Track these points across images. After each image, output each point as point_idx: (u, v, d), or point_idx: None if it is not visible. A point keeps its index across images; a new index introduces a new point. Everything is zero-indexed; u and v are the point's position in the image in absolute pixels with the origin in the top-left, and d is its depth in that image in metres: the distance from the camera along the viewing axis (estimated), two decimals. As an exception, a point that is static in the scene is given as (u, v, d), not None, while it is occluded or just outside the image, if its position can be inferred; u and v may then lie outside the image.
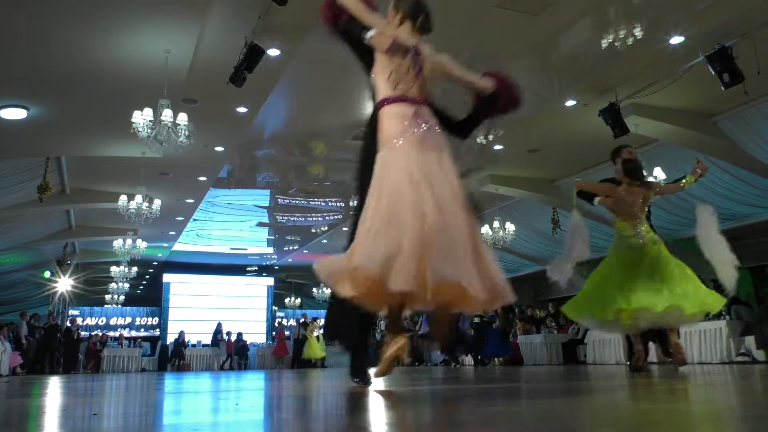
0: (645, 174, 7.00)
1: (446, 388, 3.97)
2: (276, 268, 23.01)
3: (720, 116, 8.68)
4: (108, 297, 20.22)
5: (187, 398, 4.19)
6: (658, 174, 8.83)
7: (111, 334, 19.92)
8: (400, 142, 2.57)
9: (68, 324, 17.24)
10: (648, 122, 8.55)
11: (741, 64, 6.52)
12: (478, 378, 5.97)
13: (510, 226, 12.35)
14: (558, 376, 5.41)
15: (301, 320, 18.07)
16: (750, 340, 9.07)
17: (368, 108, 9.28)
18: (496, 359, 13.54)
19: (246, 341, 19.38)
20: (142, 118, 6.82)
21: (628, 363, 5.63)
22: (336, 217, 15.56)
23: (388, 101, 2.68)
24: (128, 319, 22.20)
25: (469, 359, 14.14)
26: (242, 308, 22.22)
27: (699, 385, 3.53)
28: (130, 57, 6.87)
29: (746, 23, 6.45)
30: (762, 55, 6.48)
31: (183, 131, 6.93)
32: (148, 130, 6.81)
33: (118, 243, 13.36)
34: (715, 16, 6.46)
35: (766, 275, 9.72)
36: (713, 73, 6.68)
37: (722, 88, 6.74)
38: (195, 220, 15.26)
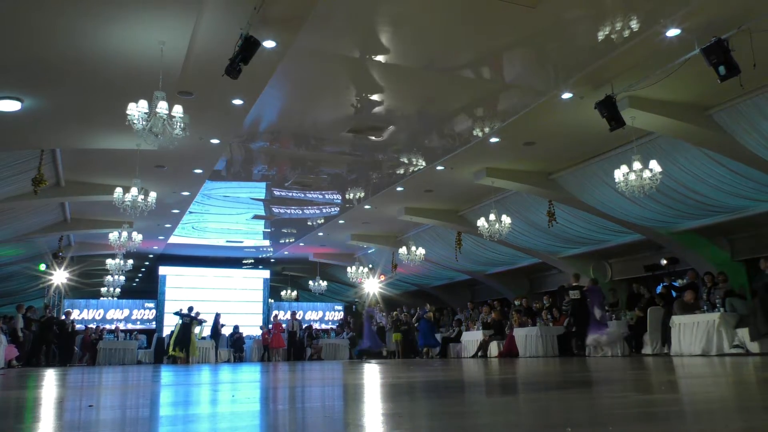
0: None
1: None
2: (272, 260, 23.00)
3: (715, 109, 8.69)
4: (104, 290, 20.18)
5: (184, 390, 4.19)
6: (654, 167, 8.84)
7: (107, 326, 19.90)
8: None
9: (63, 317, 17.23)
10: (644, 115, 8.54)
11: (737, 57, 6.51)
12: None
13: (506, 219, 12.36)
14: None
15: (193, 313, 16.37)
16: (744, 333, 9.12)
17: (364, 98, 9.18)
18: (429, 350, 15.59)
19: (242, 333, 19.40)
20: (137, 110, 6.77)
21: None
22: (332, 210, 15.56)
23: None
24: (125, 312, 22.18)
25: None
26: (238, 301, 22.23)
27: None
28: (125, 49, 6.83)
29: (742, 16, 6.45)
30: (758, 48, 6.47)
31: (178, 123, 6.88)
32: (143, 122, 6.76)
33: (113, 235, 13.33)
34: (712, 8, 6.45)
35: (760, 268, 9.75)
36: (709, 66, 6.68)
37: (718, 80, 6.73)
38: (191, 212, 15.23)
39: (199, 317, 16.52)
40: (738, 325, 9.31)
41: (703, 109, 8.78)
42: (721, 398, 2.55)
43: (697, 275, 11.75)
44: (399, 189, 13.25)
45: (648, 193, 9.01)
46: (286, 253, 21.26)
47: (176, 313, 16.35)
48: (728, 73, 6.58)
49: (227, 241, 19.60)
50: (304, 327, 20.12)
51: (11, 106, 8.13)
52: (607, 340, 11.07)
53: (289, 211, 15.87)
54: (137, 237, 13.53)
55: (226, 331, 19.02)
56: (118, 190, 9.86)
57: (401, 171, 12.26)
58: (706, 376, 4.45)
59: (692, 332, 9.68)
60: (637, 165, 8.90)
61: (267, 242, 19.93)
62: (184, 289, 21.82)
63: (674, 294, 11.63)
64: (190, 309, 16.32)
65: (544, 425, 1.78)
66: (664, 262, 13.53)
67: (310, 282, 22.53)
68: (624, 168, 9.03)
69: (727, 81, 6.70)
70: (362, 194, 13.99)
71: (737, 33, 6.51)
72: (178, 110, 6.91)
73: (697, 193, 10.68)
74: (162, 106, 6.76)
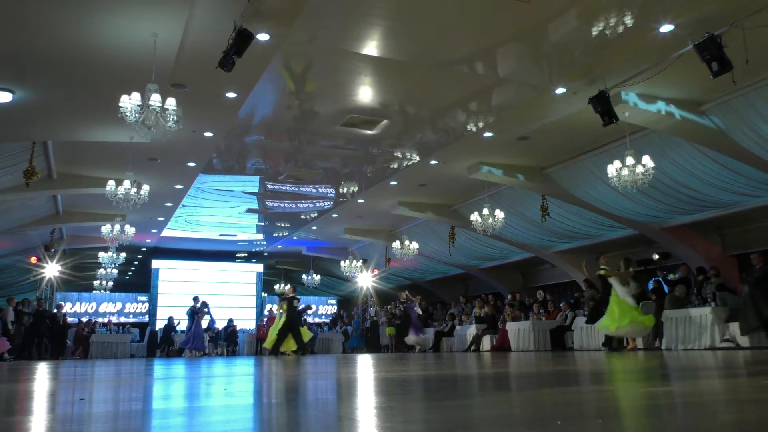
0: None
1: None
2: (265, 254, 22.97)
3: (708, 105, 8.72)
4: (96, 283, 20.10)
5: (177, 384, 4.20)
6: (647, 162, 8.87)
7: (100, 320, 19.85)
8: None
9: (56, 310, 17.16)
10: (637, 110, 8.57)
11: (729, 53, 6.54)
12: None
13: (499, 214, 12.38)
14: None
15: (289, 294, 13.95)
16: (734, 327, 9.19)
17: (358, 94, 9.16)
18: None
19: (236, 326, 19.39)
20: (129, 102, 6.73)
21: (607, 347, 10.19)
22: (326, 203, 15.54)
23: None
24: (118, 305, 22.12)
25: None
26: (232, 294, 22.20)
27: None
28: (117, 40, 6.78)
29: (735, 12, 6.47)
30: (750, 44, 6.50)
31: (171, 116, 6.84)
32: (136, 115, 6.73)
33: (106, 228, 13.27)
34: (705, 4, 6.47)
35: (752, 263, 9.82)
36: (702, 62, 6.70)
37: (711, 76, 6.76)
38: (184, 206, 15.18)
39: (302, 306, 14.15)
40: (729, 319, 9.37)
41: (695, 104, 8.81)
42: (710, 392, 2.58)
43: (689, 270, 11.82)
44: (393, 183, 13.25)
45: (640, 188, 9.05)
46: (279, 246, 21.23)
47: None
48: (721, 69, 6.61)
49: (220, 235, 19.55)
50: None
51: (2, 97, 8.07)
52: (421, 341, 15.44)
53: (282, 205, 15.84)
54: (130, 230, 13.48)
55: (220, 324, 18.99)
56: (111, 183, 9.80)
57: (395, 165, 12.25)
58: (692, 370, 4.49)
59: (684, 327, 9.75)
60: (630, 160, 8.93)
61: (260, 236, 19.90)
62: (177, 283, 21.78)
63: (666, 288, 11.69)
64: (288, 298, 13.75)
65: (537, 418, 1.79)
66: (656, 256, 13.60)
67: (304, 276, 22.52)
68: (617, 163, 9.06)
69: (719, 77, 6.73)
70: (356, 188, 13.98)
71: (730, 29, 6.53)
72: (171, 103, 6.88)
73: (689, 188, 10.73)
74: (155, 99, 6.73)
